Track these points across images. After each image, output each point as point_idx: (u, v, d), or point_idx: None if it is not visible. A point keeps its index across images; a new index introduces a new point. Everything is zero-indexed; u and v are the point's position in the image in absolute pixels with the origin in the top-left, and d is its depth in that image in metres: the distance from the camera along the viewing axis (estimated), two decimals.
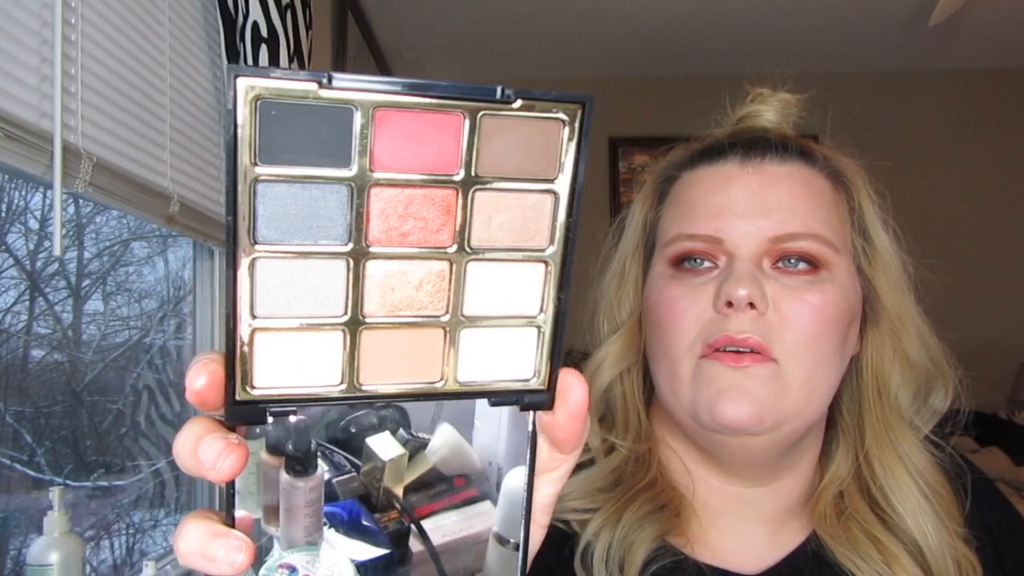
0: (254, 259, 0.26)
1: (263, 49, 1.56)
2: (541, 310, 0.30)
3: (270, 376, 0.28)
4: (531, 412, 0.32)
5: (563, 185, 0.28)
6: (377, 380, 0.29)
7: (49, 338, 1.43)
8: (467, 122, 0.26)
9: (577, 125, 0.27)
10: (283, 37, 1.60)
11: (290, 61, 1.64)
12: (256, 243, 0.26)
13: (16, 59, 1.00)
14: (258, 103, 0.24)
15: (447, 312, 0.29)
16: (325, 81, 0.24)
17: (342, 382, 0.29)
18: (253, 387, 0.28)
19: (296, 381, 0.28)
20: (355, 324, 0.28)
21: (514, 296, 0.29)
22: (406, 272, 0.28)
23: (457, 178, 0.27)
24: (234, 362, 0.27)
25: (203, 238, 1.56)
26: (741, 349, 0.57)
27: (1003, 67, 3.59)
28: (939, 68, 3.61)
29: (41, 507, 1.14)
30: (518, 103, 0.26)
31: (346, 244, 0.27)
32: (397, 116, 0.26)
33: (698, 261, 0.61)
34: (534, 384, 0.31)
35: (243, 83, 0.24)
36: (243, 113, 0.24)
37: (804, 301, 0.57)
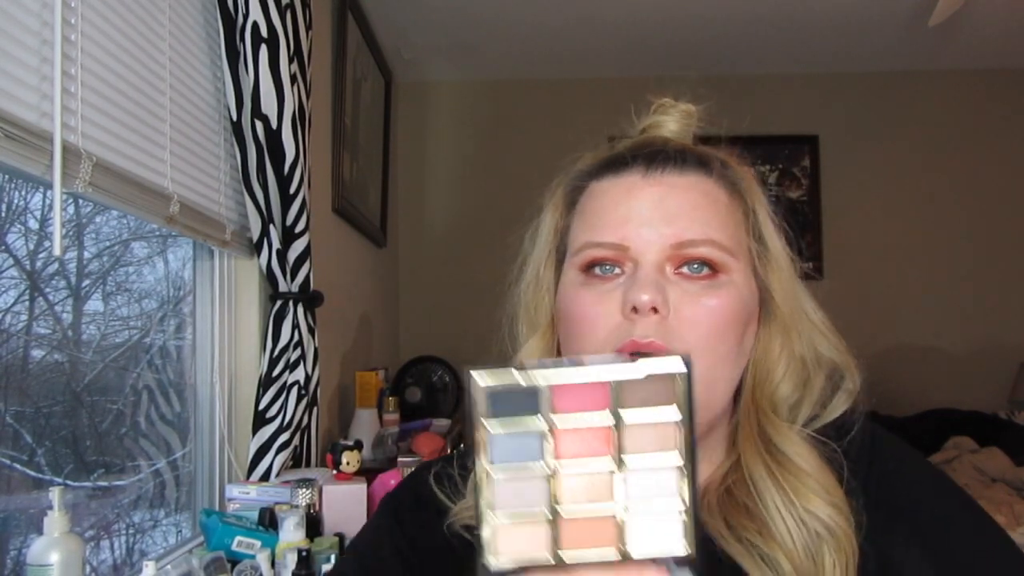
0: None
1: (263, 49, 1.56)
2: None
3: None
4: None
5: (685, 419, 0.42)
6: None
7: (49, 338, 1.44)
8: (612, 388, 0.42)
9: (684, 382, 0.41)
10: (283, 37, 1.60)
11: (290, 61, 1.64)
12: (492, 463, 0.42)
13: (16, 59, 1.00)
14: (488, 393, 0.42)
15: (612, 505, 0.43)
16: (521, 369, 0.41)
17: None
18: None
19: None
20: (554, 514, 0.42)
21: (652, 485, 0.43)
22: (584, 478, 0.42)
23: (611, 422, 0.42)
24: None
25: (203, 238, 1.56)
26: (646, 353, 0.62)
27: (1003, 67, 3.59)
28: (939, 68, 3.61)
29: (41, 507, 1.14)
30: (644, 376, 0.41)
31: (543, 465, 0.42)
32: (567, 388, 0.42)
33: (607, 268, 0.66)
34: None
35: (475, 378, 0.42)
36: (479, 399, 0.41)
37: (702, 305, 0.63)
